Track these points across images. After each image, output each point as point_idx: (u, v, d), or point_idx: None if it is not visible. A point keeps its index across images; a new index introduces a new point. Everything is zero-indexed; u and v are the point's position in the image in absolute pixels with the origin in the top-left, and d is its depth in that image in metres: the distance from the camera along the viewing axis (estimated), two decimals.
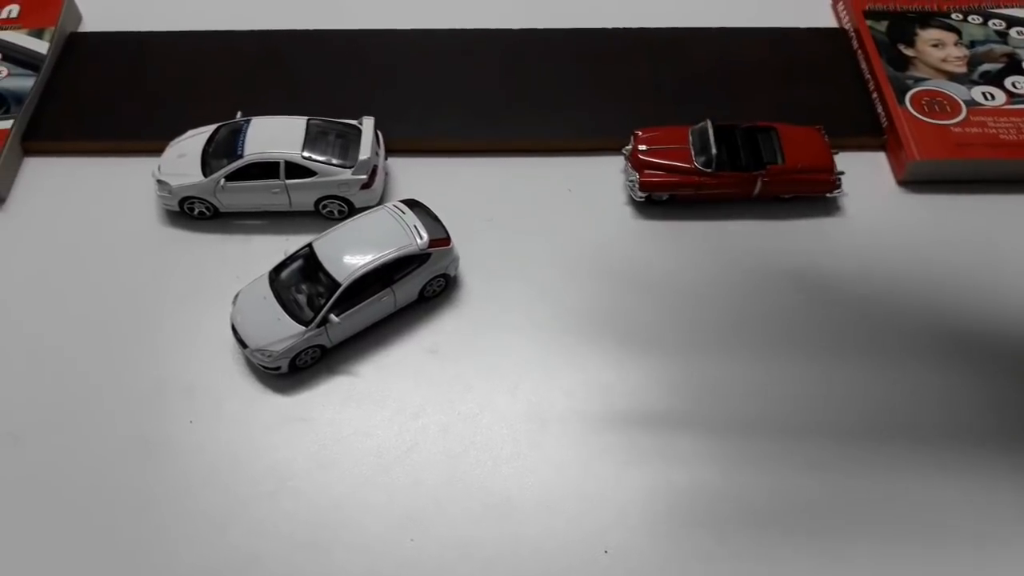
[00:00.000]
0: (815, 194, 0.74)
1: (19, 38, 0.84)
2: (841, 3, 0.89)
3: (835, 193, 0.74)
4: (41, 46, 0.83)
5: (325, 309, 0.62)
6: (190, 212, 0.73)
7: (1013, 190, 0.76)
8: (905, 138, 0.76)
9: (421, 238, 0.64)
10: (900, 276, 0.71)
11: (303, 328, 0.62)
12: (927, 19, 0.86)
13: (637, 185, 0.73)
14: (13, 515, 0.59)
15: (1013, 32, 0.85)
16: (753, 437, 0.62)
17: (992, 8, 0.87)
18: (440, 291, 0.69)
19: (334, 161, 0.70)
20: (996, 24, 0.85)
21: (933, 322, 0.68)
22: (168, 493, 0.60)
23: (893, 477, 0.60)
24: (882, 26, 0.85)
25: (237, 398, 0.64)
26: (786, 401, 0.64)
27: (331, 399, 0.64)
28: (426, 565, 0.57)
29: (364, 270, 0.62)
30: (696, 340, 0.67)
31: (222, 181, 0.70)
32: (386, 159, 0.75)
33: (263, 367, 0.64)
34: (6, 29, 0.84)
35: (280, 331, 0.62)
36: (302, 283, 0.64)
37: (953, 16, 0.86)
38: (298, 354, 0.63)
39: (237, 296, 0.65)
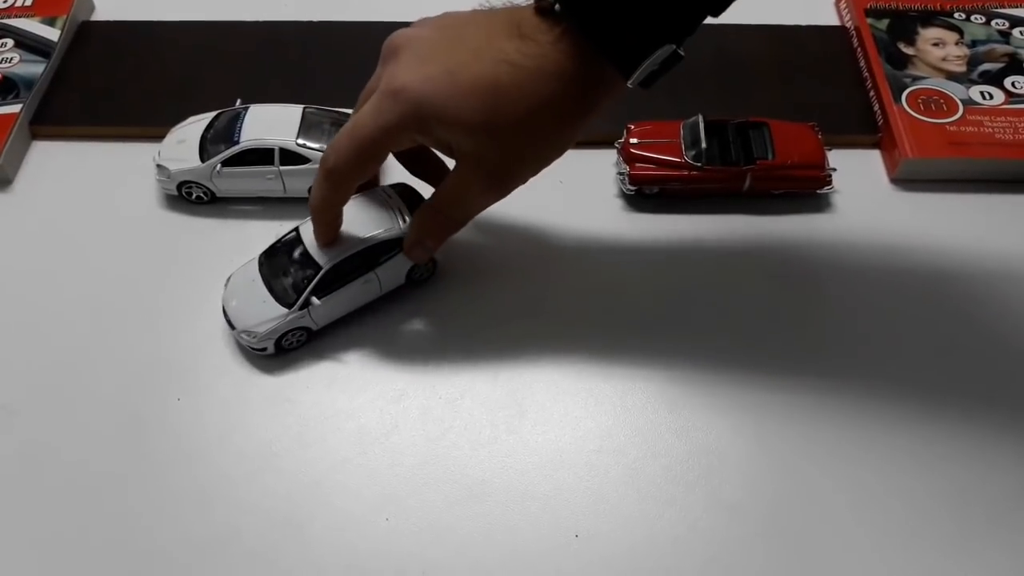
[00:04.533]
0: (806, 190, 0.74)
1: (32, 25, 0.86)
2: (843, 1, 0.89)
3: (826, 189, 0.74)
4: (52, 33, 0.85)
5: (307, 292, 0.63)
6: (188, 196, 0.74)
7: (1007, 189, 0.75)
8: (899, 136, 0.76)
9: (405, 221, 0.65)
10: (889, 272, 0.71)
11: (286, 310, 0.63)
12: (929, 18, 0.86)
13: (627, 178, 0.74)
14: (1, 486, 0.61)
15: (1016, 32, 0.84)
16: (732, 431, 0.63)
17: (996, 8, 0.86)
18: (428, 276, 0.70)
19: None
20: (999, 24, 0.85)
21: (923, 319, 0.68)
22: (154, 468, 0.61)
23: (877, 476, 0.60)
24: (883, 24, 0.85)
25: (226, 378, 0.66)
26: (771, 396, 0.64)
27: (316, 381, 0.65)
28: (401, 544, 0.58)
29: (346, 253, 0.63)
30: (681, 334, 0.68)
31: (218, 166, 0.72)
32: None
33: (251, 348, 0.65)
34: (20, 17, 0.87)
35: (265, 313, 0.64)
36: (289, 266, 0.65)
37: (956, 15, 0.86)
38: (283, 336, 0.64)
39: (229, 279, 0.67)
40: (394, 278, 0.67)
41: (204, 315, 0.68)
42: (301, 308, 0.64)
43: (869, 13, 0.86)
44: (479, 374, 0.65)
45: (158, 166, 0.74)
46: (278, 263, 0.66)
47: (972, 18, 0.85)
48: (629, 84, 0.52)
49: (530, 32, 0.51)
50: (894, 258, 0.72)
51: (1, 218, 0.75)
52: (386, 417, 0.63)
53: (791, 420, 0.63)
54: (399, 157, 0.66)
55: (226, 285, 0.67)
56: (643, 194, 0.75)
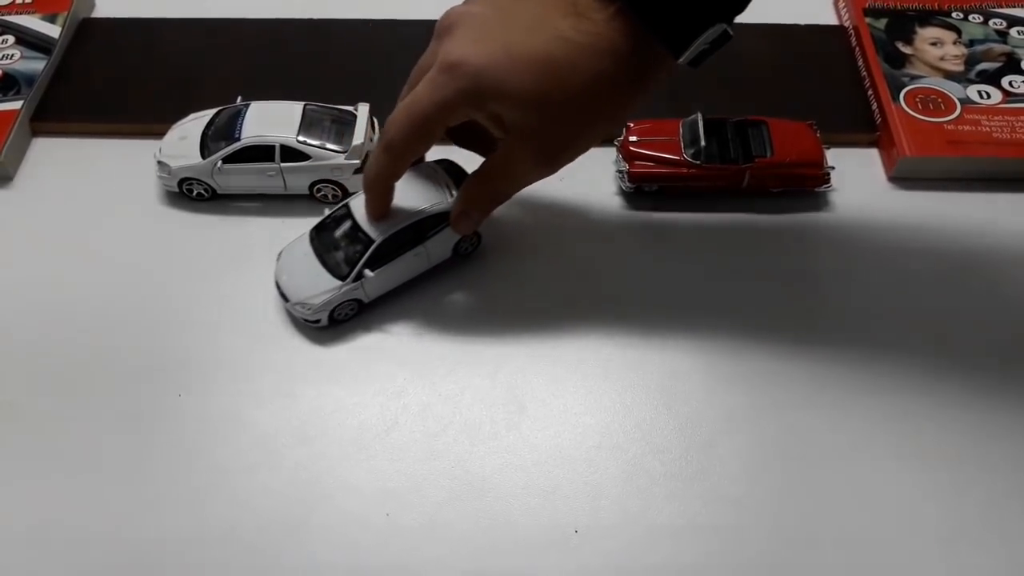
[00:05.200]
0: (804, 188, 0.75)
1: (32, 22, 0.86)
2: (842, 0, 0.90)
3: (824, 188, 0.74)
4: (53, 30, 0.86)
5: (360, 264, 0.64)
6: (189, 193, 0.75)
7: (1004, 188, 0.76)
8: (897, 134, 0.76)
9: (452, 195, 0.66)
10: (887, 270, 0.71)
11: (340, 282, 0.65)
12: (927, 17, 0.86)
13: (626, 175, 0.74)
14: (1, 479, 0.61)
15: (1013, 32, 0.84)
16: (731, 426, 0.63)
17: (993, 7, 0.87)
18: (473, 249, 0.71)
19: (328, 146, 0.72)
20: (997, 23, 0.85)
21: (919, 316, 0.68)
22: (154, 464, 0.62)
23: (876, 468, 0.61)
24: (881, 23, 0.85)
25: (226, 374, 0.66)
26: (770, 391, 0.65)
27: (317, 376, 0.65)
28: (401, 540, 0.58)
29: (397, 227, 0.64)
30: (680, 331, 0.68)
31: (219, 163, 0.72)
32: None
33: (304, 320, 0.66)
34: (21, 13, 0.87)
35: (319, 285, 0.65)
36: (340, 240, 0.66)
37: (954, 15, 0.86)
38: (336, 307, 0.65)
39: (280, 254, 0.68)
40: (442, 251, 0.68)
41: (204, 311, 0.68)
42: (355, 280, 0.64)
43: (867, 12, 0.86)
44: (479, 371, 0.66)
45: (159, 163, 0.74)
46: (329, 237, 0.67)
47: (970, 17, 0.86)
48: (680, 63, 0.53)
49: (584, 10, 0.52)
50: (891, 256, 0.72)
51: (1, 214, 0.75)
52: (387, 413, 0.64)
53: (790, 415, 0.63)
54: (448, 130, 0.66)
55: (278, 260, 0.68)
56: (642, 191, 0.75)
